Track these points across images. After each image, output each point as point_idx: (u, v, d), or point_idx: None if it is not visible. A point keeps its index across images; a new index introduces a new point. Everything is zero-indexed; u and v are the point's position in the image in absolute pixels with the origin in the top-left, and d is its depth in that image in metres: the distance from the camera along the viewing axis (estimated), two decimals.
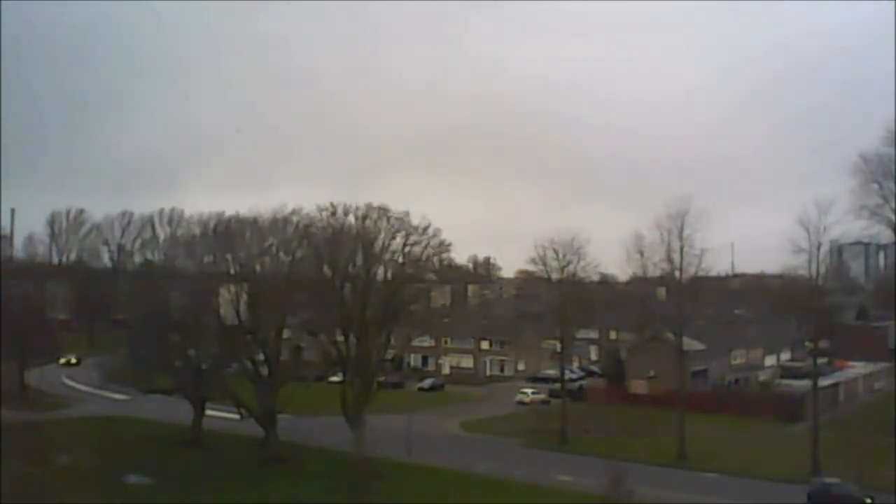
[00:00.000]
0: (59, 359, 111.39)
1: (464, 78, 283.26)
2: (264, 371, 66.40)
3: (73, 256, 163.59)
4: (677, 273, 67.19)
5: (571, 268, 75.50)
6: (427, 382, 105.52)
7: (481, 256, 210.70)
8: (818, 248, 59.96)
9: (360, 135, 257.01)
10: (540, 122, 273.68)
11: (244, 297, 67.70)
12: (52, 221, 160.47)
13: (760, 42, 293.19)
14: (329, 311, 63.76)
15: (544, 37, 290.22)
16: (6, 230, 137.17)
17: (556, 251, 74.97)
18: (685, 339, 71.33)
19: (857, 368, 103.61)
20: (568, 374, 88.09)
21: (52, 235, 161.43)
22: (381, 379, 76.27)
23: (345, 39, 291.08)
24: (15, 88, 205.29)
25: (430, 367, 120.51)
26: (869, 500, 50.24)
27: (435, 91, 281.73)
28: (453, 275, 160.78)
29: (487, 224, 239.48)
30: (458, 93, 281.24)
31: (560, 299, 78.05)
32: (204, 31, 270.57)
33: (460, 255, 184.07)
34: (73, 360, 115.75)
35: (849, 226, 60.19)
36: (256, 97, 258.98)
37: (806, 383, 74.84)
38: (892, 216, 58.34)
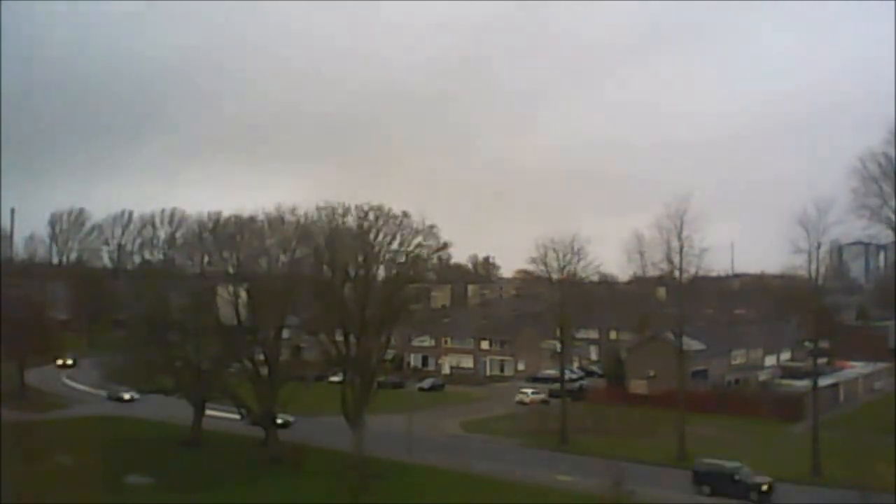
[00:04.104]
0: (56, 359, 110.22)
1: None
2: (264, 371, 66.40)
3: (73, 256, 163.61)
4: (677, 273, 67.23)
5: (571, 268, 75.54)
6: (427, 382, 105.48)
7: (481, 256, 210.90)
8: (818, 248, 60.00)
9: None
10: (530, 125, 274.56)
11: (244, 297, 67.68)
12: (52, 221, 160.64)
13: (761, 43, 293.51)
14: (329, 311, 63.69)
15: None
16: (6, 230, 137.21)
17: (556, 251, 75.01)
18: (685, 339, 71.32)
19: (857, 368, 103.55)
20: (568, 374, 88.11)
21: (52, 235, 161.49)
22: (381, 379, 76.23)
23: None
24: (15, 88, 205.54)
25: (430, 367, 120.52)
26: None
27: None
28: (453, 275, 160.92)
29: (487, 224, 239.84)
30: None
31: (560, 299, 78.04)
32: (191, 29, 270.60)
33: (460, 255, 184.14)
34: (70, 362, 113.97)
35: (848, 226, 60.19)
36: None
37: (806, 383, 74.83)
38: (892, 216, 58.30)
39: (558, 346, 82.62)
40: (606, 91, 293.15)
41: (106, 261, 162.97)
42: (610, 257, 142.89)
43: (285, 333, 70.70)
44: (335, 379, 73.50)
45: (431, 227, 63.06)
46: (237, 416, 68.19)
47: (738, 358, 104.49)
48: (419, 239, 62.96)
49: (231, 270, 68.58)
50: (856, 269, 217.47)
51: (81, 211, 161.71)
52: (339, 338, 62.93)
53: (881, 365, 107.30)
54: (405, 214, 62.74)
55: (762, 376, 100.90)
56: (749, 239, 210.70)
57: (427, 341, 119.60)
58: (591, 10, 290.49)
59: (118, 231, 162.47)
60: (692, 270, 67.48)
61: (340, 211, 63.55)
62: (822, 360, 76.73)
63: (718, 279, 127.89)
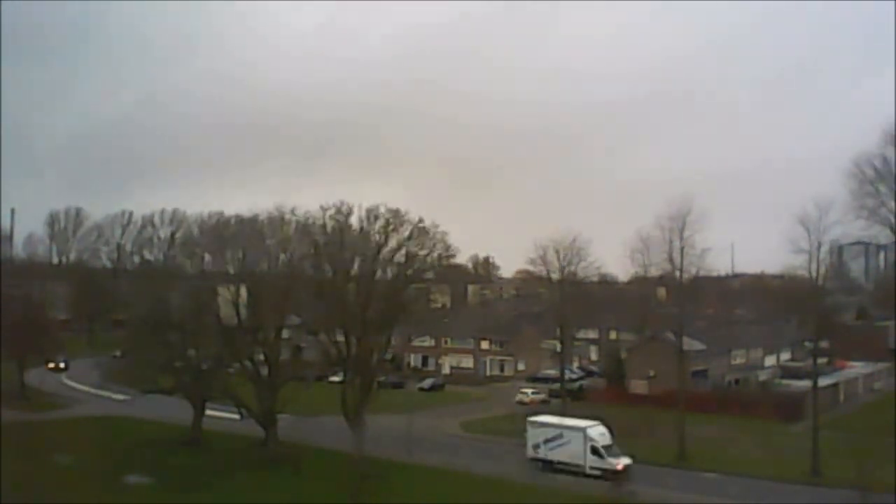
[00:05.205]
0: (48, 362, 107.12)
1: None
2: (264, 371, 66.40)
3: (72, 256, 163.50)
4: (678, 273, 67.23)
5: (572, 268, 75.53)
6: (427, 382, 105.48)
7: (481, 256, 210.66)
8: (818, 248, 59.98)
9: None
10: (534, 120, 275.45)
11: (244, 297, 67.66)
12: (50, 221, 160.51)
13: (761, 43, 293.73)
14: (329, 311, 63.72)
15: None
16: (6, 230, 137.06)
17: (557, 251, 74.97)
18: (685, 339, 71.34)
19: (857, 368, 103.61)
20: (568, 374, 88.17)
21: (52, 235, 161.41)
22: (381, 379, 76.23)
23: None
24: (15, 88, 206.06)
25: (430, 367, 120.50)
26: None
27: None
28: (453, 275, 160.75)
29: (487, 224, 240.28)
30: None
31: (560, 299, 78.06)
32: (201, 30, 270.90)
33: (460, 255, 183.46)
34: (61, 365, 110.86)
35: (848, 226, 60.06)
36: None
37: (806, 383, 74.85)
38: (891, 217, 58.19)
39: (558, 346, 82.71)
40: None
41: (106, 261, 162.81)
42: (610, 257, 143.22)
43: (285, 333, 70.68)
44: (335, 379, 73.48)
45: (424, 229, 63.05)
46: (237, 416, 68.18)
47: (738, 358, 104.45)
48: (422, 240, 62.97)
49: (232, 271, 68.57)
50: (856, 269, 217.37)
51: (79, 210, 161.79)
52: (340, 338, 62.98)
53: (881, 365, 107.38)
54: (405, 215, 62.84)
55: (762, 376, 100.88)
56: (749, 239, 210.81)
57: (427, 341, 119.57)
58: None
59: (118, 231, 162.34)
60: (692, 271, 67.58)
61: (341, 211, 63.61)
62: (822, 360, 76.73)
63: (718, 279, 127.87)
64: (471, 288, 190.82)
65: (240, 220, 71.99)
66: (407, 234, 62.20)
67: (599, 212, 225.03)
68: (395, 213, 62.28)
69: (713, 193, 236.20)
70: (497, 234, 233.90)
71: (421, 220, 62.44)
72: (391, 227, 61.72)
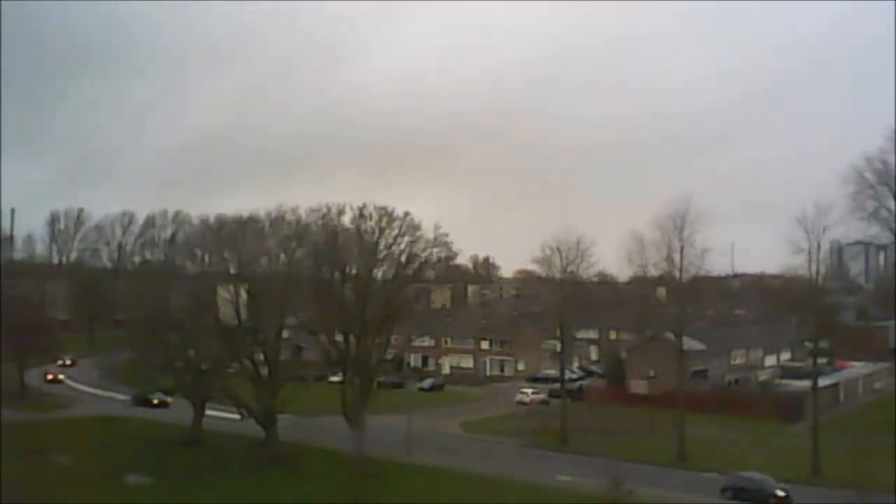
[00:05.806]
0: (56, 360, 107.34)
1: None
2: (264, 371, 66.38)
3: (73, 256, 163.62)
4: (677, 273, 67.21)
5: (575, 268, 75.34)
6: (427, 382, 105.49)
7: (481, 256, 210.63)
8: (818, 249, 59.99)
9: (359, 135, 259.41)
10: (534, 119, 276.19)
11: (244, 297, 67.64)
12: (51, 221, 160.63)
13: (762, 43, 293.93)
14: (329, 311, 63.69)
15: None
16: (6, 230, 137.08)
17: (560, 251, 74.68)
18: (685, 339, 71.33)
19: (857, 368, 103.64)
20: (568, 374, 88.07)
21: (52, 235, 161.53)
22: (381, 379, 76.22)
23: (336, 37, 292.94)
24: (15, 88, 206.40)
25: (430, 367, 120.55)
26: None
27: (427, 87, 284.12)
28: (453, 275, 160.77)
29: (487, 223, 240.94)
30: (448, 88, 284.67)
31: (560, 299, 77.98)
32: (201, 29, 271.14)
33: (460, 256, 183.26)
34: (69, 362, 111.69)
35: (848, 226, 60.08)
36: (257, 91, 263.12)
37: (806, 383, 74.85)
38: (891, 218, 58.14)
39: (558, 346, 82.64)
40: None
41: (106, 261, 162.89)
42: (610, 257, 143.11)
43: (285, 333, 70.66)
44: (335, 379, 73.49)
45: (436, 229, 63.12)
46: (237, 416, 68.16)
47: (738, 358, 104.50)
48: (423, 243, 62.97)
49: (232, 271, 68.55)
50: (856, 269, 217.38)
51: (80, 211, 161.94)
52: (339, 338, 62.94)
53: (881, 365, 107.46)
54: (406, 215, 62.84)
55: (762, 376, 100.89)
56: (749, 239, 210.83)
57: (427, 341, 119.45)
58: None
59: (119, 231, 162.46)
60: (692, 271, 67.56)
61: (340, 210, 63.65)
62: (822, 360, 76.74)
63: (718, 279, 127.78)
64: (471, 288, 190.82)
65: (240, 221, 71.94)
66: (405, 233, 62.23)
67: (604, 214, 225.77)
68: (389, 212, 62.37)
69: (713, 193, 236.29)
70: (524, 238, 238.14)
71: (408, 216, 62.58)
72: (382, 223, 61.73)
